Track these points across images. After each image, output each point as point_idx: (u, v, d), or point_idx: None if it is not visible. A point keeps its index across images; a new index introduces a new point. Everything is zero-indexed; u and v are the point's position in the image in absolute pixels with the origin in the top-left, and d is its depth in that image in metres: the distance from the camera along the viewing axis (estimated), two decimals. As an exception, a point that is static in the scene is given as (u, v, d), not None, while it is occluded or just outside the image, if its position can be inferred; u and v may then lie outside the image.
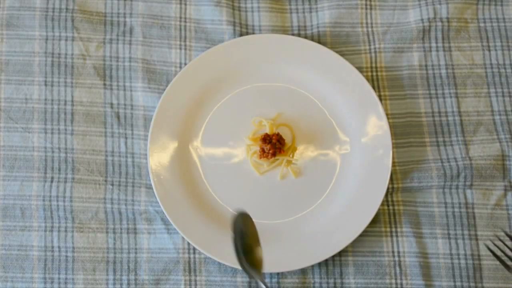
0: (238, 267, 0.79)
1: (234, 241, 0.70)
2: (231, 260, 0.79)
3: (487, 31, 0.90)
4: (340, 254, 0.82)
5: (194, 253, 0.82)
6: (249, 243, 0.71)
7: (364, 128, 0.85)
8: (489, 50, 0.90)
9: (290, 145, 0.85)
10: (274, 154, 0.82)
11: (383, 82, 0.88)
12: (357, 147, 0.85)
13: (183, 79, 0.85)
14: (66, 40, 0.89)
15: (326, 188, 0.84)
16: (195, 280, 0.81)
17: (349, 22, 0.90)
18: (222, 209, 0.83)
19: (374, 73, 0.88)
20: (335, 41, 0.89)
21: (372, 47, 0.89)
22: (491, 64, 0.89)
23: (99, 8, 0.90)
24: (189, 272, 0.82)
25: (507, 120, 0.87)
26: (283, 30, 0.90)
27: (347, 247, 0.81)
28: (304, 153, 0.85)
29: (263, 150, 0.83)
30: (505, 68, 0.89)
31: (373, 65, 0.89)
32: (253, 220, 0.82)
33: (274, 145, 0.82)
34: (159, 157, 0.83)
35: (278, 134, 0.84)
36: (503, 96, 0.88)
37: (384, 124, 0.84)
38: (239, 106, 0.87)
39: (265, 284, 0.69)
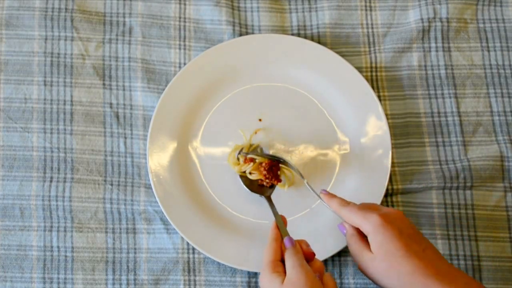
0: (238, 267, 0.79)
1: None
2: (230, 260, 0.79)
3: (487, 31, 0.90)
4: (340, 254, 0.82)
5: (193, 253, 0.82)
6: None
7: (363, 128, 0.85)
8: (489, 51, 0.90)
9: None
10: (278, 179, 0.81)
11: (383, 82, 0.88)
12: (356, 147, 0.85)
13: (182, 79, 0.85)
14: (65, 40, 0.89)
15: (325, 188, 0.84)
16: (194, 280, 0.81)
17: (349, 23, 0.90)
18: (221, 209, 0.83)
19: (374, 74, 0.88)
20: (335, 41, 0.89)
21: (372, 48, 0.89)
22: (490, 64, 0.89)
23: (98, 8, 0.90)
24: (188, 272, 0.81)
25: (506, 121, 0.87)
26: (283, 30, 0.90)
27: (346, 247, 0.80)
28: (304, 153, 0.85)
29: (265, 176, 0.81)
30: (504, 69, 0.89)
31: (373, 65, 0.89)
32: (252, 220, 0.83)
33: (276, 175, 0.81)
34: (158, 157, 0.83)
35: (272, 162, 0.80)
36: (502, 96, 0.88)
37: (383, 125, 0.84)
38: (239, 106, 0.86)
39: None
